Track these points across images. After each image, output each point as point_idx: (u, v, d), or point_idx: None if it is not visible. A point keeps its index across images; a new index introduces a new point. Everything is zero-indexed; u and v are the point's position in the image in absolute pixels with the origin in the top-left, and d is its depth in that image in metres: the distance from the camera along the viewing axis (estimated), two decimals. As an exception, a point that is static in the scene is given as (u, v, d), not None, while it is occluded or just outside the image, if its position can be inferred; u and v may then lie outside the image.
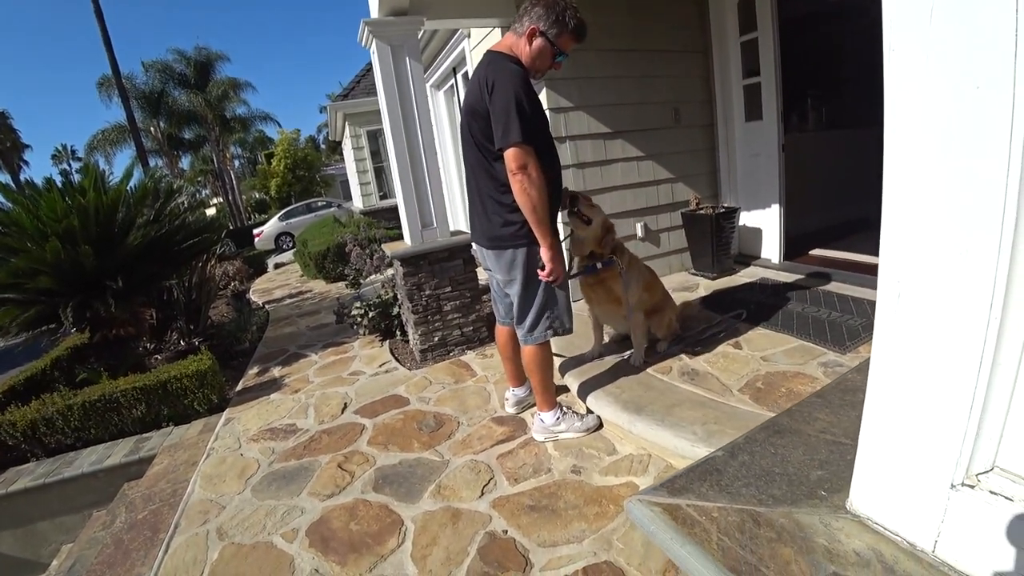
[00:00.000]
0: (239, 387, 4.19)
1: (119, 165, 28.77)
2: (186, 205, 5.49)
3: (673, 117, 4.48)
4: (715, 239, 4.30)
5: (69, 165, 44.30)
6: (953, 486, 0.80)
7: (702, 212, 4.38)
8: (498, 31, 4.53)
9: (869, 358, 2.55)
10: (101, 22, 14.13)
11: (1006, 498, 0.73)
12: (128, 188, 4.79)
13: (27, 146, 38.76)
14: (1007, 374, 0.71)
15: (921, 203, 0.75)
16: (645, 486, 2.21)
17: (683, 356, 3.08)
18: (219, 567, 2.20)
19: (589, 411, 2.79)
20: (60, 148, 44.91)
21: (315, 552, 2.17)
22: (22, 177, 36.47)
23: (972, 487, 0.78)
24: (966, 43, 0.66)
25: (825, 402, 1.21)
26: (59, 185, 4.61)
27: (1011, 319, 0.69)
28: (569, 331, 2.58)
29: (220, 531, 2.43)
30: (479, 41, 5.07)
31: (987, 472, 0.78)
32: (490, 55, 2.30)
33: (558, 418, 2.65)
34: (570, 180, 4.12)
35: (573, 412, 2.71)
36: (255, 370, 4.55)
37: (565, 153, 4.06)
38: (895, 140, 0.78)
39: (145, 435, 3.76)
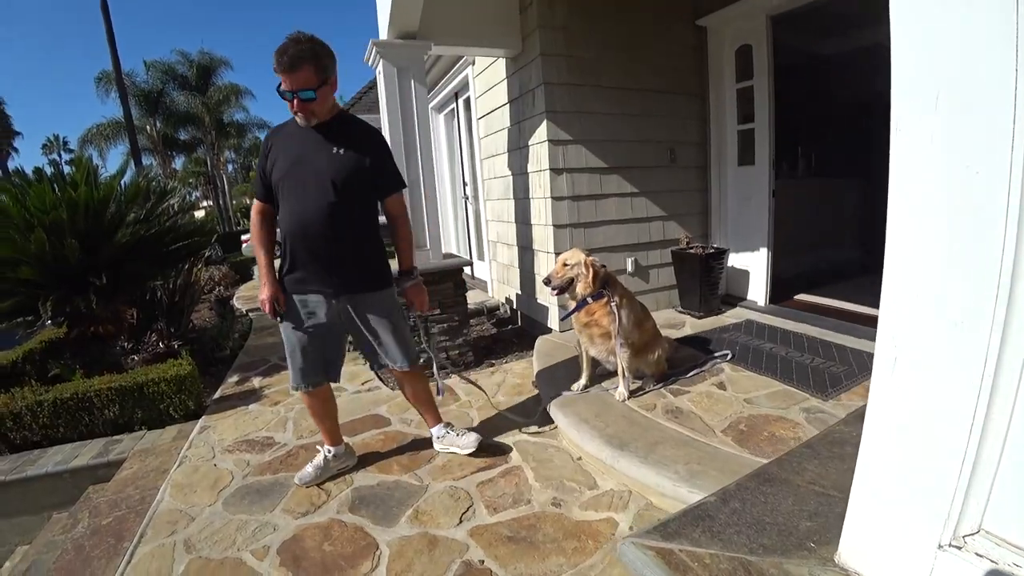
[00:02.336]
0: (217, 395, 4.11)
1: (112, 160, 28.59)
2: (177, 207, 5.44)
3: (668, 156, 4.59)
4: (703, 279, 4.37)
5: (60, 156, 43.88)
6: (941, 546, 0.83)
7: (692, 251, 4.45)
8: (502, 61, 4.63)
9: (855, 408, 2.59)
10: (106, 16, 14.11)
11: (991, 560, 0.76)
12: (120, 185, 4.74)
13: (18, 133, 38.20)
14: (995, 442, 0.74)
15: (919, 276, 0.79)
16: (625, 523, 2.21)
17: (668, 394, 3.10)
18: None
19: (469, 430, 2.91)
20: (51, 138, 44.51)
21: (285, 572, 2.11)
22: (10, 165, 35.97)
23: (959, 548, 0.81)
24: (968, 130, 0.70)
25: (814, 453, 1.23)
26: (49, 176, 4.55)
27: (1001, 390, 0.72)
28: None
29: (188, 543, 2.36)
30: (483, 69, 5.18)
31: (973, 534, 0.80)
32: (349, 115, 2.45)
33: (446, 432, 2.86)
34: (565, 212, 4.18)
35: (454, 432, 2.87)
36: (235, 379, 4.47)
37: (561, 185, 4.12)
38: (897, 215, 0.82)
39: (116, 437, 3.66)
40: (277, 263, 2.53)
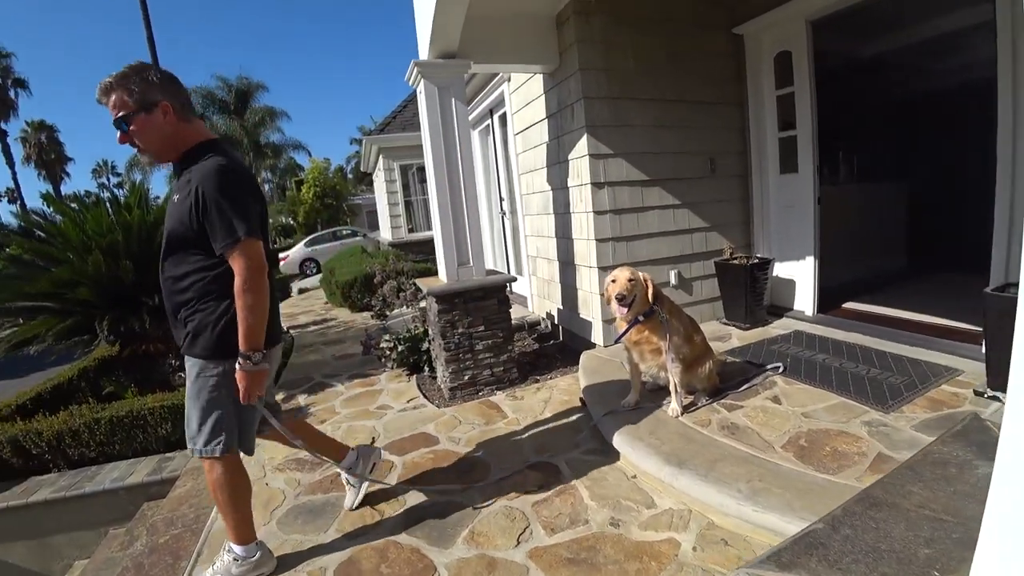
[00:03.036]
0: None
1: (157, 183, 29.69)
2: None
3: (709, 167, 4.53)
4: (748, 289, 4.27)
5: (108, 179, 45.89)
6: None
7: (735, 262, 4.36)
8: (538, 76, 4.65)
9: (919, 420, 2.46)
10: (152, 50, 14.73)
11: None
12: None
13: (70, 159, 40.25)
14: None
15: None
16: (688, 543, 2.14)
17: (721, 409, 3.02)
18: (243, 599, 2.15)
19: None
20: (101, 163, 46.73)
21: (343, 594, 2.11)
22: (63, 188, 37.81)
23: None
24: None
25: (917, 475, 1.17)
26: (107, 200, 4.72)
27: None
28: None
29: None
30: (519, 85, 5.21)
31: None
32: (200, 152, 2.06)
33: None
34: (607, 226, 4.14)
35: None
36: (280, 396, 4.53)
37: (603, 198, 4.09)
38: None
39: (168, 455, 3.74)
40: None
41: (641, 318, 2.92)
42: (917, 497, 1.00)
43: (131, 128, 1.92)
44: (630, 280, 2.88)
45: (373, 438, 3.47)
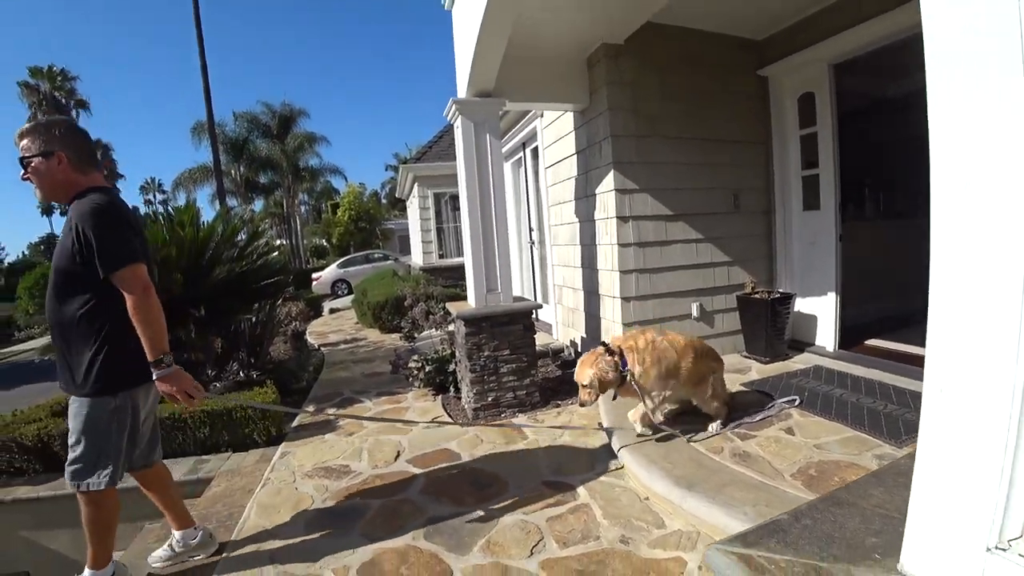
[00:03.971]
0: (295, 423, 4.37)
1: (199, 202, 31.02)
2: (266, 247, 5.91)
3: (733, 203, 4.66)
4: (769, 324, 4.35)
5: (154, 196, 48.00)
6: (988, 550, 0.96)
7: (757, 296, 4.45)
8: (569, 113, 4.89)
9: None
10: (205, 78, 15.64)
11: None
12: (220, 227, 5.22)
13: (121, 176, 42.32)
14: None
15: (958, 317, 1.02)
16: (693, 563, 2.21)
17: (735, 438, 3.09)
18: (272, 590, 2.31)
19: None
20: (148, 180, 49.03)
21: (365, 591, 2.25)
22: (114, 204, 39.62)
23: (1004, 550, 0.94)
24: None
25: (880, 481, 1.32)
26: (163, 217, 5.08)
27: None
28: None
29: (273, 559, 2.54)
30: (551, 121, 5.45)
31: (1017, 538, 0.94)
32: (84, 193, 2.22)
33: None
34: (631, 258, 4.30)
35: None
36: (311, 408, 4.74)
37: (628, 231, 4.25)
38: (939, 274, 1.11)
39: (204, 457, 3.94)
40: None
41: (614, 396, 3.15)
42: (876, 499, 1.15)
43: (30, 168, 2.15)
44: (584, 387, 3.05)
45: (398, 452, 3.62)
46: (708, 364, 3.27)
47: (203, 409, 3.97)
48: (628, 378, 3.03)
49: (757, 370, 4.29)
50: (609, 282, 4.49)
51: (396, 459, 3.49)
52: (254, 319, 5.95)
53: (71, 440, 2.23)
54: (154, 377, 2.17)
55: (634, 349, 3.07)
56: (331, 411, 4.62)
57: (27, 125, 2.17)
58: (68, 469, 2.26)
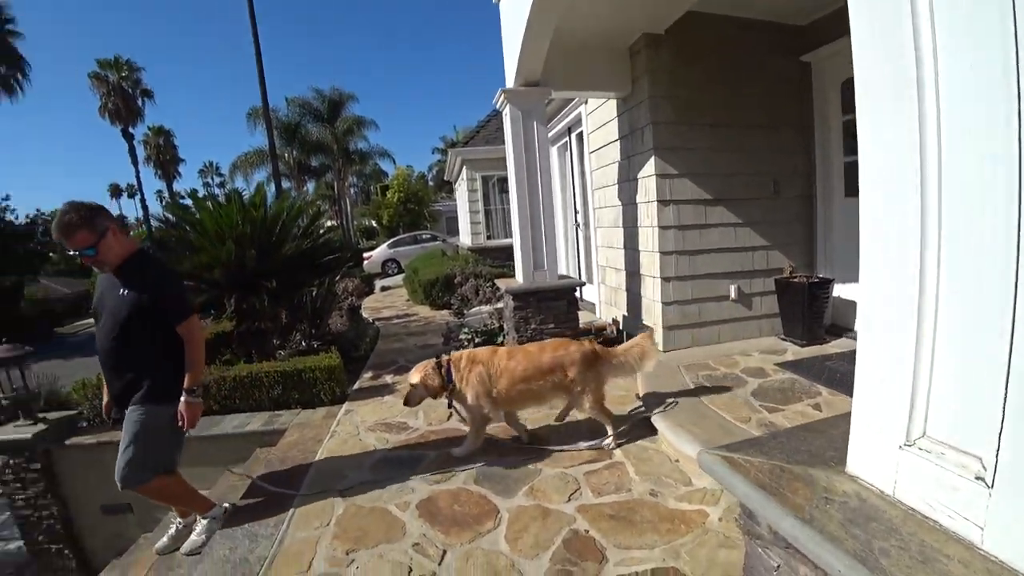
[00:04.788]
0: (356, 386, 4.81)
1: (254, 184, 32.39)
2: (328, 226, 6.36)
3: (772, 188, 4.77)
4: (807, 308, 4.47)
5: (212, 179, 50.27)
6: (900, 447, 1.25)
7: (796, 280, 4.57)
8: (612, 101, 5.07)
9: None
10: (259, 66, 16.30)
11: (935, 454, 1.18)
12: (286, 207, 5.68)
13: (182, 160, 44.60)
14: (925, 374, 1.18)
15: (875, 274, 1.30)
16: (715, 514, 2.48)
17: (763, 411, 3.30)
18: (344, 519, 2.71)
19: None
20: (207, 164, 51.39)
21: (423, 522, 2.61)
22: (175, 186, 41.92)
23: (911, 446, 1.23)
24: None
25: (849, 420, 1.62)
26: (238, 199, 5.56)
27: (925, 343, 1.16)
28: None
29: (343, 495, 2.94)
30: (595, 108, 5.65)
31: (920, 437, 1.22)
32: (142, 258, 2.74)
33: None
34: (671, 240, 4.49)
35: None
36: (369, 375, 5.17)
37: (669, 215, 4.45)
38: (866, 245, 1.31)
39: (277, 412, 4.41)
40: None
41: (447, 397, 3.25)
42: (843, 429, 1.43)
43: (100, 251, 2.53)
44: (412, 384, 3.23)
45: (451, 413, 3.98)
46: (558, 378, 3.22)
47: (276, 370, 4.43)
48: (457, 392, 3.21)
49: (793, 352, 4.43)
50: (650, 262, 4.70)
51: (449, 419, 3.84)
52: (315, 292, 6.44)
53: (126, 443, 2.61)
54: (189, 399, 2.68)
55: (457, 367, 3.24)
56: (388, 378, 5.02)
57: (67, 222, 2.47)
58: (119, 468, 2.61)
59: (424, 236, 21.39)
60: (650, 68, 4.40)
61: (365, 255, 19.88)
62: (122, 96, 32.74)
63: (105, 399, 2.89)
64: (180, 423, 2.67)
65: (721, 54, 4.55)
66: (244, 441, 4.15)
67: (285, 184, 26.54)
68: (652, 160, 4.42)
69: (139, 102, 34.15)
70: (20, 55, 25.84)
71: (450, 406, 3.27)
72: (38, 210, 24.58)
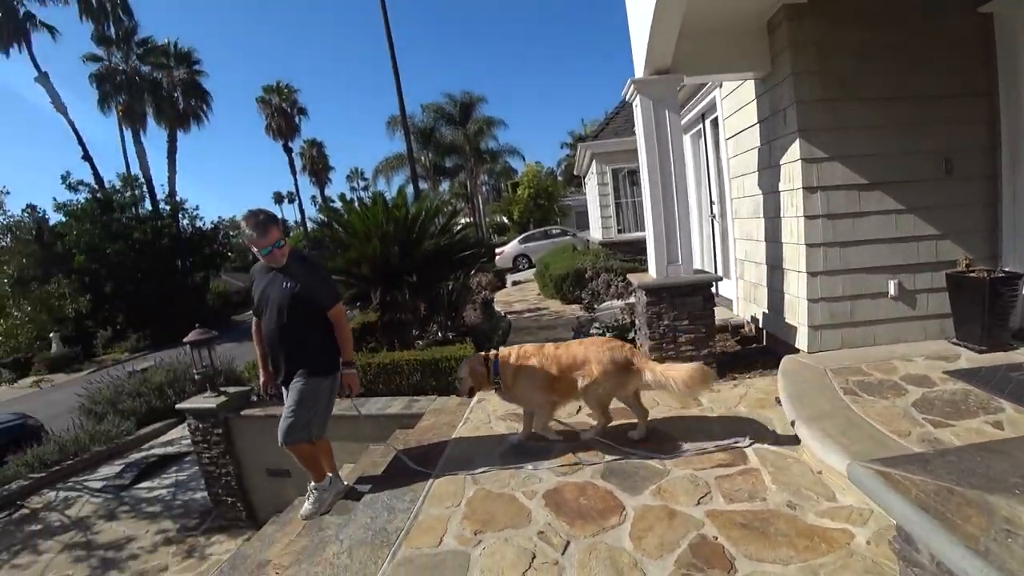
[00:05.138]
0: (488, 377, 5.03)
1: (394, 186, 35.17)
2: (462, 224, 6.71)
3: (943, 168, 4.14)
4: (988, 307, 3.85)
5: (357, 184, 55.23)
6: None
7: (973, 275, 3.96)
8: (750, 82, 4.75)
9: None
10: (396, 79, 17.50)
11: None
12: (424, 207, 6.09)
13: (332, 167, 49.59)
14: None
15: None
16: (863, 536, 2.24)
17: (926, 424, 2.93)
18: (473, 501, 2.88)
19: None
20: (353, 170, 56.64)
21: (549, 511, 2.69)
22: (326, 191, 46.67)
23: None
24: None
25: None
26: (383, 200, 6.07)
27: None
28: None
29: (474, 478, 3.11)
30: (731, 91, 5.33)
31: None
32: (298, 255, 3.36)
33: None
34: (819, 231, 4.12)
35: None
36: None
37: (816, 203, 4.08)
38: None
39: (415, 398, 4.77)
40: None
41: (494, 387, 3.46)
42: None
43: (284, 245, 3.15)
44: (459, 377, 3.52)
45: (579, 407, 4.02)
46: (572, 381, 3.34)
47: (416, 359, 4.78)
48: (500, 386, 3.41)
49: (968, 359, 3.85)
50: (794, 256, 4.35)
51: (577, 412, 3.90)
52: (451, 286, 6.82)
53: (291, 408, 3.12)
54: (348, 371, 3.29)
55: (506, 362, 3.40)
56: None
57: (264, 221, 3.09)
58: (283, 428, 3.12)
59: (554, 231, 21.62)
60: (792, 42, 4.04)
61: (497, 251, 20.55)
62: (283, 115, 37.34)
63: (262, 378, 3.44)
64: (347, 392, 3.29)
65: (875, 17, 4.02)
66: (386, 422, 4.54)
67: (422, 185, 28.29)
68: (796, 143, 4.07)
69: (296, 119, 38.56)
70: (205, 89, 30.78)
71: (498, 391, 3.49)
72: (220, 217, 28.84)
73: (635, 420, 3.46)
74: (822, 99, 4.04)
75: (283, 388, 3.28)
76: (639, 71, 4.36)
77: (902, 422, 2.96)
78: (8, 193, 7.46)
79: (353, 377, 3.30)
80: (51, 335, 15.78)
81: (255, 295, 3.29)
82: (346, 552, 2.61)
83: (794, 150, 4.12)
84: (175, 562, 4.88)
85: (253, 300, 3.32)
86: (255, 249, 3.12)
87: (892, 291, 4.21)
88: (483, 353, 3.56)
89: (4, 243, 7.64)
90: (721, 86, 5.61)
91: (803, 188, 4.10)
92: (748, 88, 4.86)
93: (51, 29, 26.32)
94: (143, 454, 7.78)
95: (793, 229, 4.31)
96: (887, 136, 4.09)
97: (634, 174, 11.82)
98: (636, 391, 3.39)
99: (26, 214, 21.53)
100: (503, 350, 3.53)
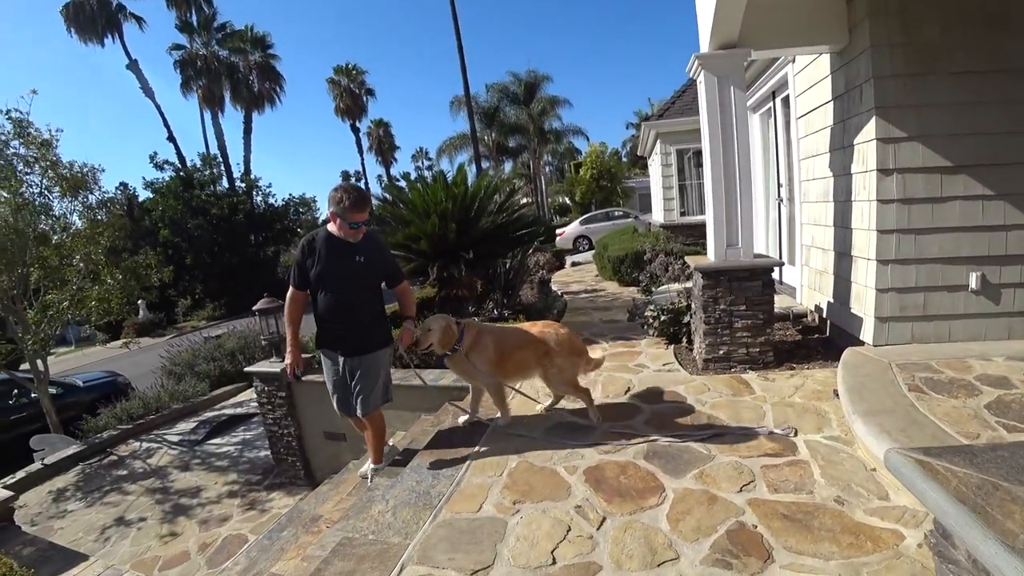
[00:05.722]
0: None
1: (457, 165, 35.60)
2: (521, 203, 6.74)
3: (1047, 150, 3.77)
4: (1087, 304, 3.53)
5: (422, 163, 56.39)
6: None
7: (1072, 269, 3.62)
8: (824, 57, 4.47)
9: None
10: (461, 58, 17.61)
11: None
12: (483, 185, 6.15)
13: (398, 147, 50.72)
14: None
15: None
16: (914, 539, 2.14)
17: (1000, 428, 2.73)
18: (515, 473, 2.96)
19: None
20: (417, 149, 57.78)
21: (589, 487, 2.72)
22: (392, 170, 47.86)
23: None
24: None
25: None
26: (442, 178, 6.18)
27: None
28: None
29: (517, 451, 3.18)
30: (804, 66, 5.05)
31: None
32: (369, 233, 3.29)
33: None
34: (892, 216, 3.86)
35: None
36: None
37: (891, 186, 3.83)
38: None
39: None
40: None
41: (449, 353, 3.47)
42: None
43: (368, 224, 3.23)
44: (429, 329, 3.41)
45: (628, 388, 4.01)
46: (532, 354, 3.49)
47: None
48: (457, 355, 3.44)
49: (1061, 360, 3.54)
50: (864, 242, 4.11)
51: (625, 393, 3.90)
52: (508, 265, 6.88)
53: (364, 382, 3.25)
54: (411, 327, 3.41)
55: (470, 332, 3.49)
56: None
57: (364, 195, 3.20)
58: (363, 398, 3.26)
59: (616, 213, 21.27)
60: (871, 10, 3.75)
61: (558, 231, 20.47)
62: (351, 96, 38.36)
63: (289, 359, 3.36)
64: (397, 344, 3.51)
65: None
66: (437, 394, 4.68)
67: (484, 165, 28.51)
68: (872, 122, 3.81)
69: (363, 100, 39.55)
70: (278, 72, 32.37)
71: (448, 358, 3.55)
72: (290, 194, 30.38)
73: (688, 404, 3.47)
74: (903, 74, 3.75)
75: (331, 360, 3.33)
76: (704, 46, 4.20)
77: (971, 424, 2.78)
78: (103, 171, 8.14)
79: (411, 333, 3.40)
80: (138, 302, 17.12)
81: (315, 269, 3.17)
82: (391, 511, 2.75)
83: (869, 129, 3.87)
84: (238, 512, 5.27)
85: (304, 273, 3.20)
86: (343, 221, 3.09)
87: (973, 284, 3.90)
88: (454, 319, 3.61)
89: (100, 216, 8.27)
90: (794, 61, 5.31)
91: (877, 170, 3.85)
92: (822, 63, 4.58)
93: (139, 19, 28.35)
94: (215, 413, 8.40)
95: (864, 214, 4.07)
96: (978, 114, 3.75)
97: (699, 155, 11.39)
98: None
99: (118, 191, 23.42)
100: (469, 322, 3.72)
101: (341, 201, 3.07)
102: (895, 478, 1.41)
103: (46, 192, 7.52)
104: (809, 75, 4.93)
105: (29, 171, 7.33)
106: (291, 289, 3.25)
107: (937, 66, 3.74)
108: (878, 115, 3.79)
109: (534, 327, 3.63)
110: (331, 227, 3.21)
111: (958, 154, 3.77)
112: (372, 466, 3.51)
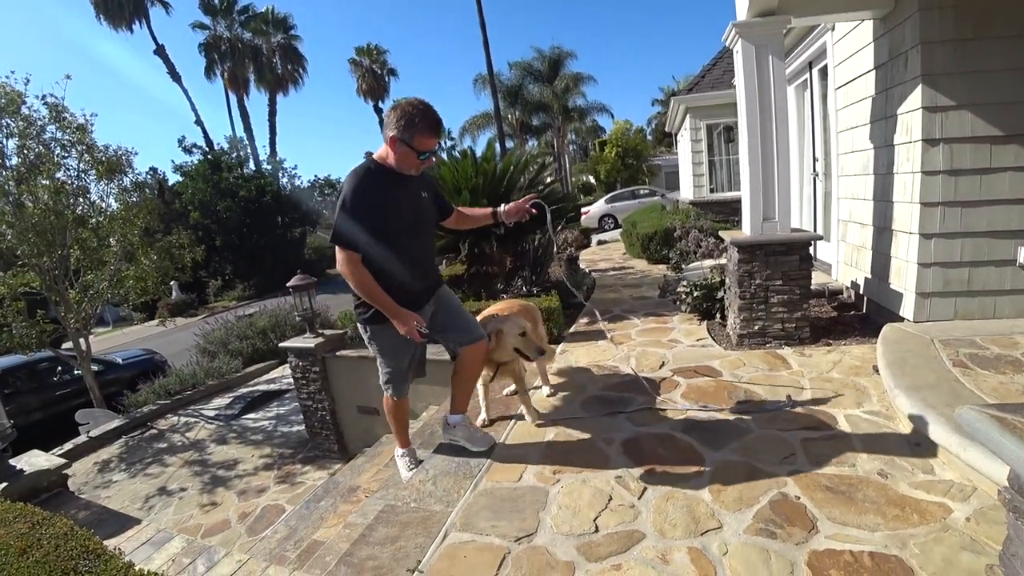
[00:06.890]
0: (571, 330, 5.12)
1: (480, 144, 35.37)
2: (551, 179, 6.71)
3: (1108, 118, 3.61)
4: None
5: (444, 142, 56.28)
6: None
7: None
8: (866, 24, 4.32)
9: None
10: (484, 36, 17.41)
11: None
12: (513, 161, 6.13)
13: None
14: None
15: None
16: (961, 513, 2.11)
17: (1054, 401, 2.68)
18: (555, 443, 3.01)
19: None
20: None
21: (627, 458, 2.75)
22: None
23: None
24: None
25: None
26: (472, 155, 6.18)
27: None
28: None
29: (554, 422, 3.24)
30: (843, 34, 4.88)
31: None
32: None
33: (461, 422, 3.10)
34: (938, 187, 3.76)
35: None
36: (585, 320, 5.46)
37: (936, 157, 3.72)
38: None
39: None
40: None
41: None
42: None
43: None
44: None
45: (663, 362, 4.01)
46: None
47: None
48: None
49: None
50: (907, 216, 4.00)
51: (660, 367, 3.90)
52: (537, 241, 6.87)
53: (460, 311, 3.02)
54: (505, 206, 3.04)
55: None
56: (602, 324, 5.21)
57: (435, 118, 2.50)
58: (474, 332, 2.96)
59: (642, 191, 21.04)
60: (922, -26, 3.61)
61: (583, 210, 20.34)
62: (373, 76, 38.23)
63: (403, 327, 2.56)
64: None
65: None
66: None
67: (508, 144, 28.31)
68: (919, 90, 3.68)
69: (385, 80, 39.41)
70: (301, 54, 32.51)
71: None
72: (316, 176, 30.69)
73: (724, 378, 3.43)
74: (953, 39, 3.60)
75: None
76: (742, 13, 4.08)
77: (1020, 399, 2.72)
78: (136, 154, 8.36)
79: (517, 204, 3.07)
80: (171, 283, 17.57)
81: (381, 213, 2.49)
82: (431, 480, 2.82)
83: (914, 98, 3.74)
84: (274, 484, 5.43)
85: (362, 224, 2.45)
86: (408, 148, 2.45)
87: (1022, 259, 3.79)
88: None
89: (135, 198, 8.47)
90: (833, 28, 5.14)
91: (922, 140, 3.73)
92: (864, 30, 4.42)
93: (165, 5, 28.58)
94: (249, 389, 8.64)
95: (907, 186, 3.96)
96: (1032, 80, 3.60)
97: (730, 130, 11.16)
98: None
99: (149, 175, 23.88)
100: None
101: (414, 121, 2.41)
102: (968, 431, 1.41)
103: (83, 175, 7.70)
104: (849, 44, 4.77)
105: (66, 155, 7.50)
106: (346, 251, 2.44)
107: (988, 30, 3.58)
108: (924, 83, 3.66)
109: (505, 306, 3.58)
110: (389, 158, 2.51)
111: (1010, 123, 3.63)
112: (454, 419, 3.09)
